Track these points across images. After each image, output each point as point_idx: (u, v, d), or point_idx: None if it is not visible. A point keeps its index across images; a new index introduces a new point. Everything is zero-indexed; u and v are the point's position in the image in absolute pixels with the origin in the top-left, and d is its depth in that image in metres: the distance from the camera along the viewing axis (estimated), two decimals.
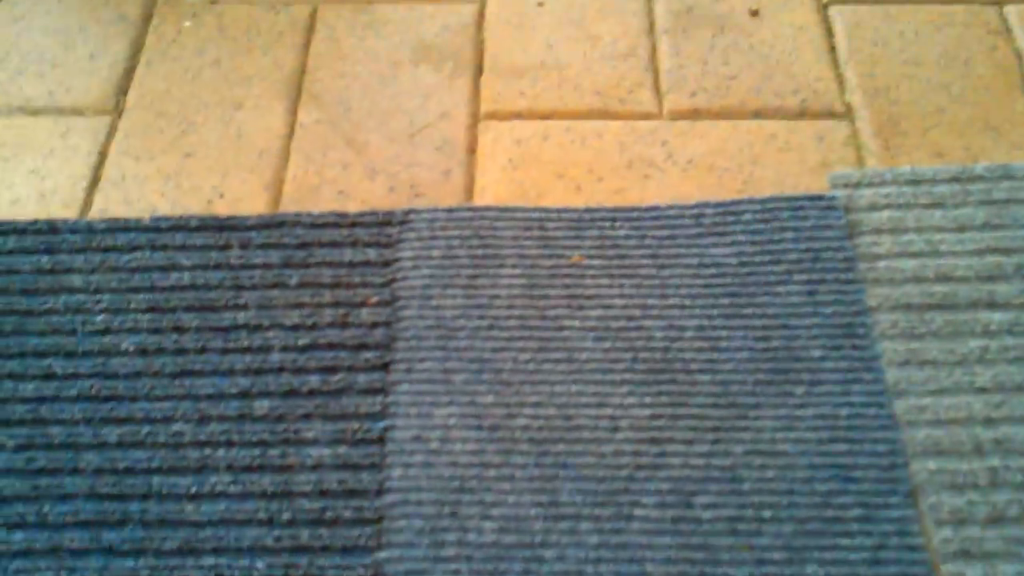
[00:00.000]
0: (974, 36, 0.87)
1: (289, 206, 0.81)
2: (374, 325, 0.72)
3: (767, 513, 0.61)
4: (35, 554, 0.64)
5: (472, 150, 0.84)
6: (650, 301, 0.71)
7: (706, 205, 0.76)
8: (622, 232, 0.75)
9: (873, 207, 0.74)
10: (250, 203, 0.82)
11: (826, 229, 0.73)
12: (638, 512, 0.62)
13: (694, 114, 0.84)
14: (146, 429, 0.69)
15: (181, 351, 0.72)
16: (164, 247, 0.78)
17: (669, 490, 0.63)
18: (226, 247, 0.78)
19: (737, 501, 0.62)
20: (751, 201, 0.76)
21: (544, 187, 0.80)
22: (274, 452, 0.67)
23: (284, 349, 0.72)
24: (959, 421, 0.64)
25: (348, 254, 0.76)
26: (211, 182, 0.83)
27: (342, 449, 0.67)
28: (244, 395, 0.70)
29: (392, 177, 0.82)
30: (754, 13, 0.90)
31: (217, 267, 0.77)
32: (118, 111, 0.89)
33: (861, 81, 0.84)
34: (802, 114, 0.83)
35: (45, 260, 0.78)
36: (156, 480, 0.67)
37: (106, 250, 0.78)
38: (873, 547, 0.60)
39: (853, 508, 0.61)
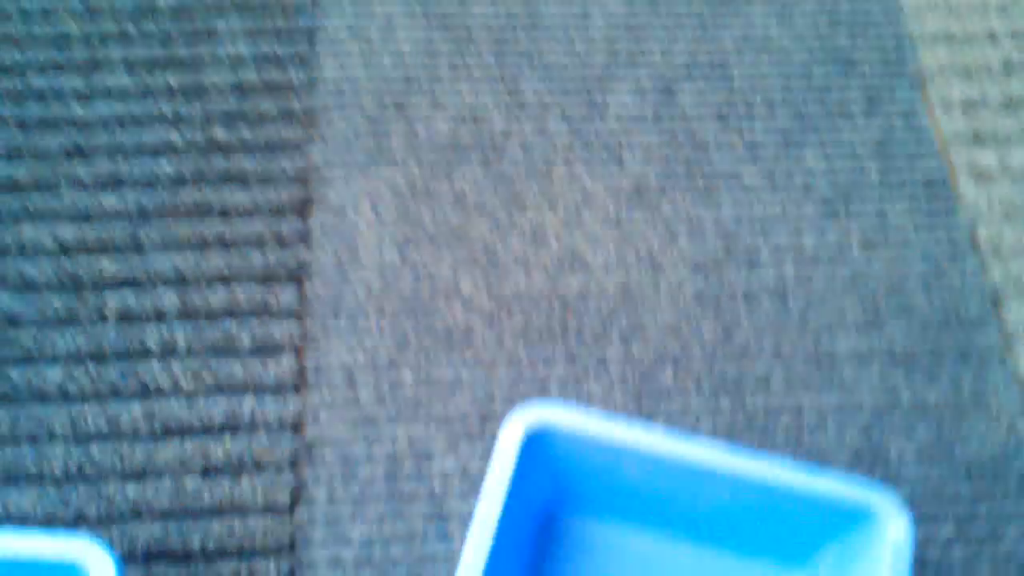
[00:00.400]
0: None
1: None
2: None
3: (759, 101, 0.54)
4: None
5: None
6: None
7: None
8: None
9: None
10: None
11: None
12: (613, 102, 0.54)
13: None
14: (21, 26, 0.57)
15: None
16: None
17: (649, 81, 0.55)
18: None
19: (726, 91, 0.54)
20: None
21: None
22: (180, 47, 0.56)
23: None
24: (972, 9, 0.57)
25: None
26: None
27: (264, 43, 0.56)
28: None
29: None
30: None
31: None
32: None
33: None
34: None
35: None
36: (36, 80, 0.55)
37: None
38: (878, 132, 0.53)
39: (855, 95, 0.54)
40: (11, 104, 0.54)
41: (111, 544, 0.42)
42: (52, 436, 0.45)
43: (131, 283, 0.51)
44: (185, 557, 0.42)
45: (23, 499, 0.43)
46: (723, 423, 0.47)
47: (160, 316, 0.50)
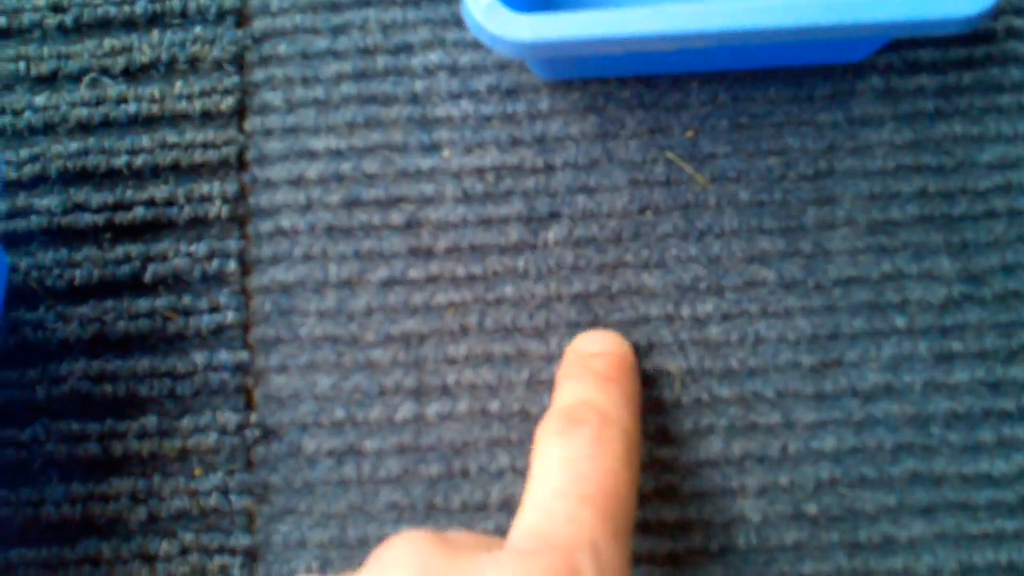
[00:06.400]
0: None
1: None
2: None
3: None
4: None
5: None
6: None
7: None
8: None
9: None
10: None
11: None
12: None
13: None
14: None
15: None
16: None
17: None
18: None
19: None
20: None
21: None
22: None
23: None
24: None
25: None
26: None
27: None
28: None
29: None
30: None
31: None
32: None
33: None
34: None
35: None
36: None
37: None
38: None
39: None
40: None
41: (16, 165, 0.34)
42: None
43: None
44: (109, 176, 0.34)
45: None
46: None
47: None
